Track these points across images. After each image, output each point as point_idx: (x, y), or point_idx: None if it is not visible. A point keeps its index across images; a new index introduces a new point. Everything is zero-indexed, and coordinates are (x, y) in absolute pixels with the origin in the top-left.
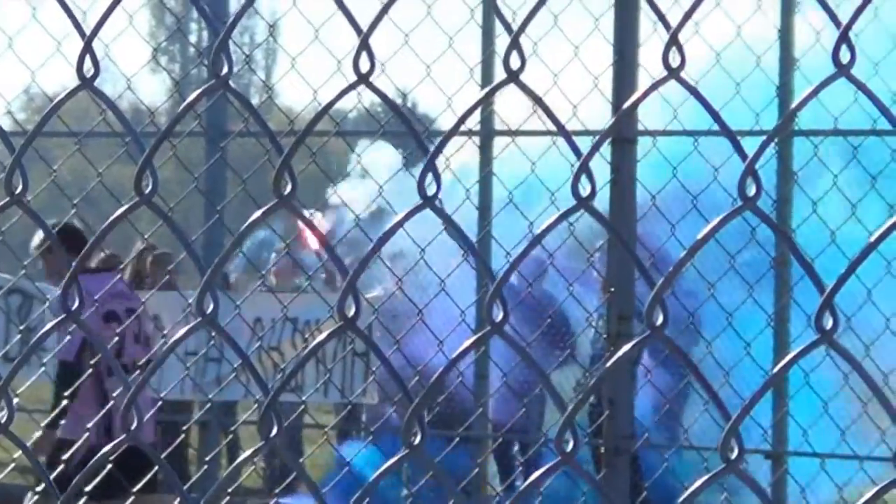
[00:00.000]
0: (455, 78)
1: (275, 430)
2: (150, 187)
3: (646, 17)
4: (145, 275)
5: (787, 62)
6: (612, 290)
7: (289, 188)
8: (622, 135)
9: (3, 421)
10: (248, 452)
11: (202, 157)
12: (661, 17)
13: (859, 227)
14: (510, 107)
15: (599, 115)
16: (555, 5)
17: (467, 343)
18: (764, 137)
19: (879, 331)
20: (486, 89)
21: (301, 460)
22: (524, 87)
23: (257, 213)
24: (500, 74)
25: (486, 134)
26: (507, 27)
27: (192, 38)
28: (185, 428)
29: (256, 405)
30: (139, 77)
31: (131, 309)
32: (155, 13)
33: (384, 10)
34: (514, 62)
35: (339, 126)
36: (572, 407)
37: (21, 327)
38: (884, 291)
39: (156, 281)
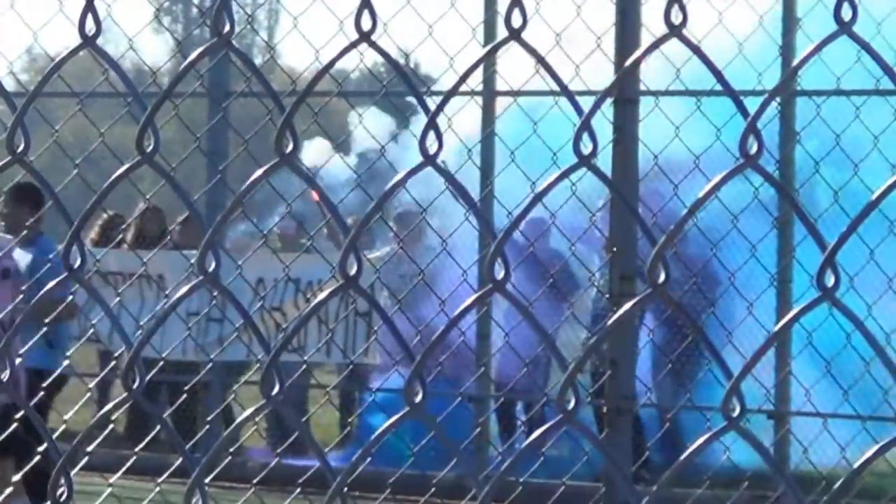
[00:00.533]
0: (457, 38)
1: (276, 389)
2: (151, 146)
3: None
4: (152, 235)
5: (789, 21)
6: (615, 249)
7: (290, 147)
8: (624, 95)
9: (4, 380)
10: (249, 411)
11: (204, 118)
12: None
13: (862, 186)
14: (512, 67)
15: (602, 75)
16: None
17: (468, 301)
18: (766, 97)
19: (882, 290)
20: (488, 47)
21: (304, 419)
22: (526, 46)
23: (259, 171)
24: (502, 34)
25: (489, 94)
26: None
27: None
28: (186, 388)
29: (258, 365)
30: (141, 37)
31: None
32: None
33: None
34: (516, 20)
35: (341, 86)
36: (573, 366)
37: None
38: (886, 250)
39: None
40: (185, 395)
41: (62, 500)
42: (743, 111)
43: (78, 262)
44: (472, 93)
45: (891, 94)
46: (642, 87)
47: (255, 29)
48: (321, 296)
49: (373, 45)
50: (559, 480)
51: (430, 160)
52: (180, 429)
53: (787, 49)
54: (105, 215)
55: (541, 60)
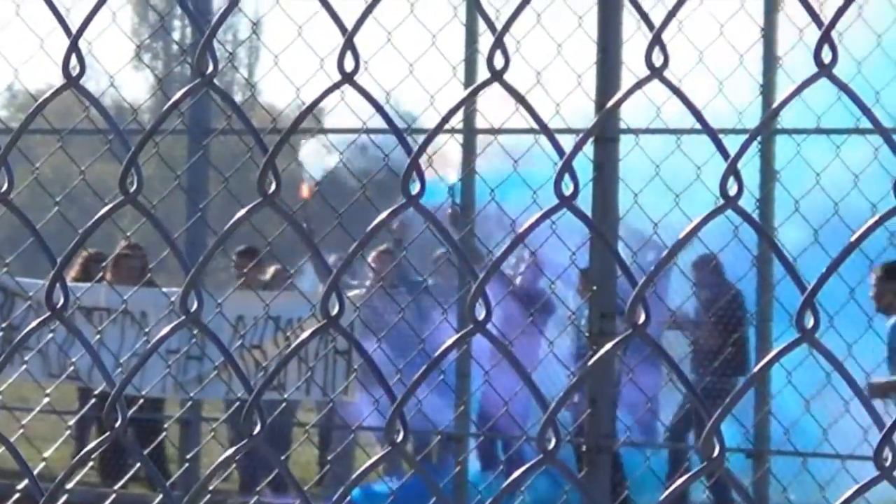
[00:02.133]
0: (438, 77)
1: (258, 429)
2: (134, 186)
3: (629, 15)
4: (132, 271)
5: (770, 61)
6: (595, 288)
7: (273, 187)
8: (605, 133)
9: None
10: (231, 450)
11: (185, 155)
12: (645, 17)
13: (841, 225)
14: (493, 104)
15: (583, 113)
16: (538, 3)
17: (449, 342)
18: (747, 136)
19: (862, 330)
20: (470, 89)
21: (283, 457)
22: (508, 87)
23: (241, 212)
24: (483, 72)
25: (469, 132)
26: (491, 26)
27: (176, 36)
28: (166, 427)
29: (238, 403)
30: (122, 74)
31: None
32: (138, 10)
33: (369, 9)
34: (498, 62)
35: (321, 124)
36: (554, 405)
37: (3, 325)
38: (866, 291)
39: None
40: (163, 434)
41: None
42: (723, 152)
43: (61, 302)
44: (453, 130)
45: (871, 132)
46: (622, 126)
47: (235, 66)
48: (303, 335)
49: (356, 86)
50: None
51: (412, 200)
52: (157, 467)
53: (767, 88)
54: (86, 252)
55: (522, 101)
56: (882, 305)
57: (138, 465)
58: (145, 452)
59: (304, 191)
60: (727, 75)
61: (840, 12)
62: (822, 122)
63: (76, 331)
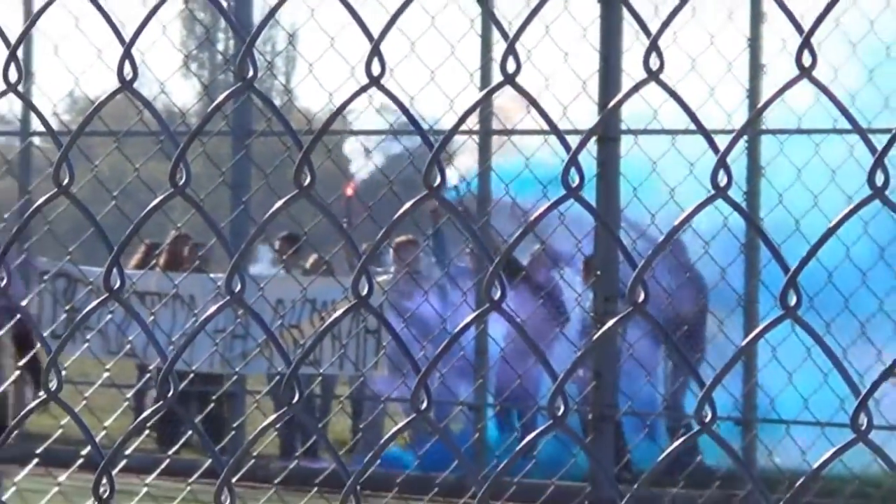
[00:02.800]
0: (456, 82)
1: (296, 398)
2: (183, 179)
3: (628, 26)
4: (180, 260)
5: (755, 67)
6: (598, 273)
7: (308, 180)
8: (607, 133)
9: (53, 389)
10: (271, 417)
11: (229, 154)
12: (643, 26)
13: (821, 215)
14: (506, 109)
15: (587, 115)
16: (546, 15)
17: (468, 319)
18: (734, 135)
19: (839, 309)
20: (486, 90)
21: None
22: (520, 89)
23: (280, 203)
24: (497, 79)
25: (485, 132)
26: (504, 34)
27: (220, 47)
28: (214, 398)
29: (279, 377)
30: (171, 81)
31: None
32: (186, 24)
33: (393, 19)
34: (511, 66)
35: (352, 125)
36: (562, 376)
37: (66, 308)
38: (843, 274)
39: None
40: (213, 404)
41: (105, 497)
42: (714, 148)
43: (118, 284)
44: (470, 132)
45: (847, 132)
46: (623, 126)
47: (274, 74)
48: (336, 314)
49: (382, 88)
50: (549, 480)
51: (433, 192)
52: (207, 434)
53: (753, 92)
54: (145, 244)
55: (533, 103)
56: None
57: (190, 432)
58: (196, 421)
59: (349, 190)
60: (717, 81)
61: (819, 20)
62: (802, 122)
63: (132, 310)
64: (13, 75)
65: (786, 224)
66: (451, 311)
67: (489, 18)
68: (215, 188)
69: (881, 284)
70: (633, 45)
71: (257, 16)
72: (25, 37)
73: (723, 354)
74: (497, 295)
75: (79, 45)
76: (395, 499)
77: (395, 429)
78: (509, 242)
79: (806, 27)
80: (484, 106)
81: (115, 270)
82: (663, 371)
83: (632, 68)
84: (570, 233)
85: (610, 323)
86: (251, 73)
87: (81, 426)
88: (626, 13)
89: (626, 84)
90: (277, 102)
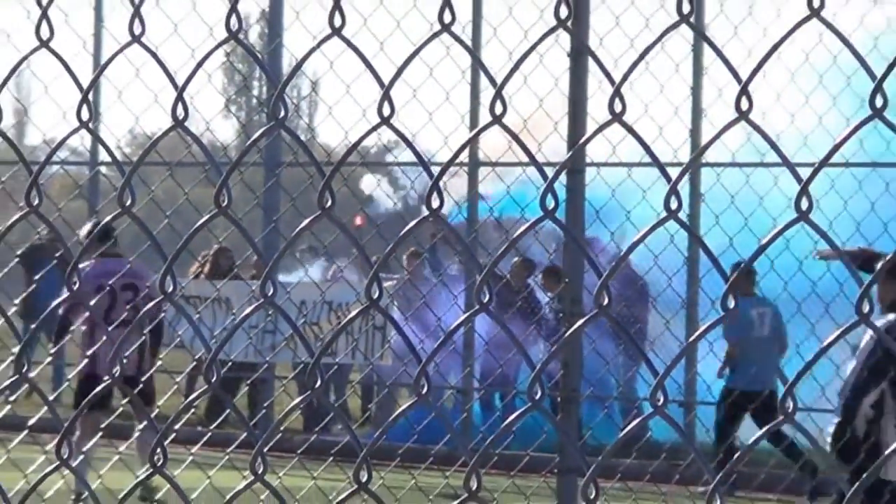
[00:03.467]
0: (450, 122)
1: (318, 383)
2: (225, 202)
3: (593, 77)
4: (221, 269)
5: (697, 111)
6: (567, 280)
7: (329, 203)
8: (575, 166)
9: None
10: (297, 400)
11: (262, 182)
12: (608, 76)
13: (751, 235)
14: (490, 143)
15: (559, 151)
16: (526, 67)
17: (461, 318)
18: (682, 167)
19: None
20: (477, 129)
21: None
22: (505, 128)
23: (306, 221)
24: (484, 118)
25: (473, 164)
26: (493, 82)
27: (255, 92)
28: (248, 382)
29: (302, 365)
30: (215, 121)
31: (128, 284)
32: (227, 73)
33: (399, 71)
34: (498, 108)
35: (365, 158)
36: (539, 366)
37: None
38: (767, 285)
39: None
40: (247, 387)
41: (159, 464)
42: (667, 178)
43: (171, 288)
44: (461, 164)
45: (775, 165)
46: (588, 160)
47: (299, 115)
48: (352, 314)
49: (391, 127)
50: (525, 451)
51: (433, 213)
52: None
53: (695, 131)
54: (202, 255)
55: (516, 139)
56: (885, 303)
57: (228, 410)
58: (234, 401)
59: (357, 220)
60: (666, 122)
61: (754, 72)
62: (735, 157)
63: (182, 309)
64: (85, 114)
65: (722, 242)
66: (445, 311)
67: (479, 68)
68: (250, 210)
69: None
70: (595, 92)
71: (285, 66)
72: (95, 83)
73: (666, 348)
74: (485, 298)
75: (139, 90)
76: (397, 467)
77: (399, 410)
78: (495, 255)
79: (743, 76)
80: (472, 142)
81: (168, 277)
82: (618, 363)
83: (595, 111)
84: (544, 247)
85: (579, 322)
86: (283, 113)
87: (138, 406)
88: (591, 65)
89: (591, 125)
90: (302, 139)
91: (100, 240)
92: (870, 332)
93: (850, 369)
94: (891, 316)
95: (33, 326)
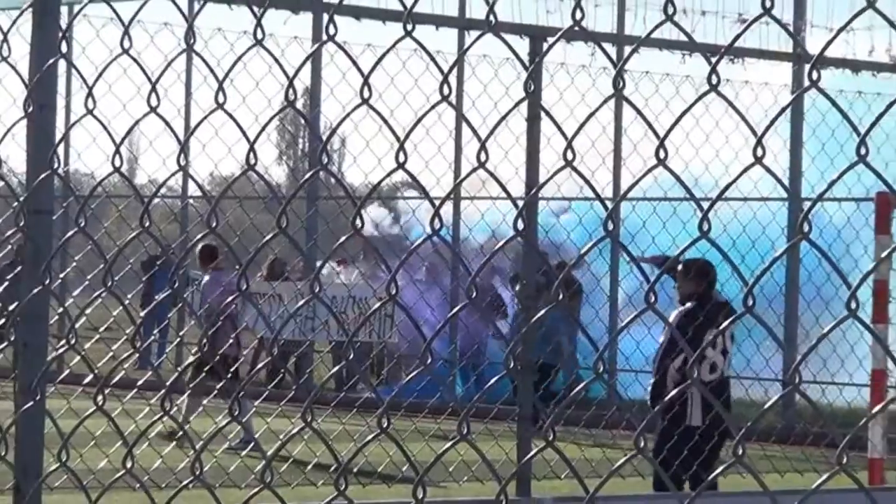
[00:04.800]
0: (440, 169)
1: (351, 356)
2: (285, 224)
3: (547, 130)
4: (277, 273)
5: (618, 160)
6: (524, 281)
7: (359, 224)
8: (531, 200)
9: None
10: (335, 369)
11: (304, 211)
12: (561, 130)
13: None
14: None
15: (517, 189)
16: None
17: (456, 309)
18: (612, 200)
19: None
20: (466, 174)
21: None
22: (489, 172)
23: (343, 238)
24: (464, 168)
25: (457, 198)
26: (476, 134)
27: (300, 144)
28: (296, 354)
29: (334, 343)
30: (272, 167)
31: (232, 290)
32: (279, 131)
33: (409, 131)
34: (482, 157)
35: (380, 194)
36: (511, 345)
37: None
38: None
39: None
40: (295, 358)
41: (235, 414)
42: (604, 205)
43: (245, 287)
44: (447, 197)
45: (677, 200)
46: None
47: (332, 162)
48: (375, 306)
49: (406, 171)
50: (494, 405)
51: (435, 232)
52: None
53: (615, 173)
54: (270, 259)
55: (497, 180)
56: (682, 296)
57: (283, 374)
58: (287, 367)
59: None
60: (596, 168)
61: (672, 127)
62: (646, 193)
63: (253, 301)
64: (182, 160)
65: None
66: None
67: (467, 125)
68: (295, 231)
69: None
70: (546, 147)
71: (322, 127)
72: (188, 139)
73: (596, 330)
74: (473, 295)
75: (218, 143)
76: (402, 416)
77: (410, 376)
78: (481, 263)
79: (664, 127)
80: (456, 183)
81: (242, 279)
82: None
83: (546, 160)
84: (507, 257)
85: (542, 312)
86: (326, 161)
87: (221, 370)
88: (547, 120)
89: (542, 174)
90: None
91: (211, 257)
92: (674, 312)
93: (660, 342)
94: (688, 304)
95: (144, 313)
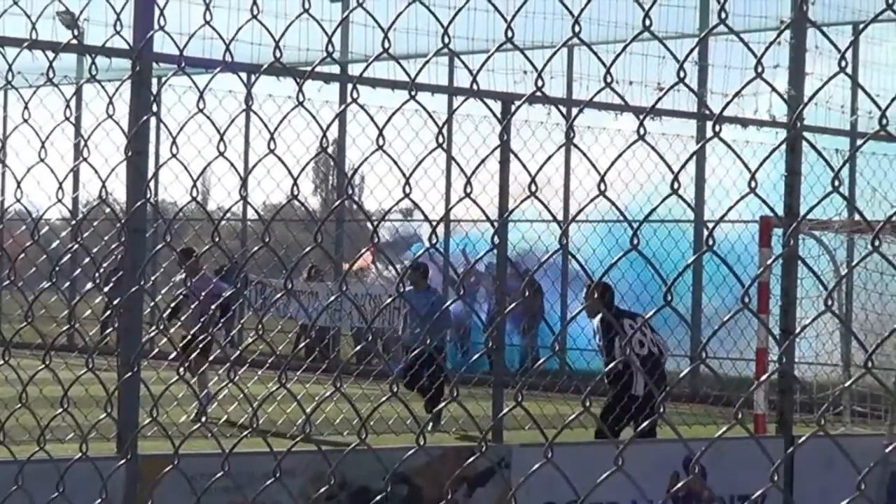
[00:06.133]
0: (434, 199)
1: (371, 339)
2: (320, 240)
3: (512, 174)
4: (314, 277)
5: (567, 193)
6: (497, 283)
7: (377, 240)
8: (504, 221)
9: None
10: (357, 348)
11: (333, 230)
12: (524, 166)
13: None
14: (462, 204)
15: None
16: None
17: (448, 303)
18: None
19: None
20: (455, 202)
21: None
22: (475, 202)
23: (364, 251)
24: (454, 197)
25: (447, 221)
26: (463, 171)
27: (330, 181)
28: (328, 337)
29: (356, 328)
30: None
31: (217, 294)
32: (314, 170)
33: (413, 169)
34: (468, 189)
35: (389, 219)
36: (491, 328)
37: (262, 298)
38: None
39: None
40: (326, 340)
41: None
42: (559, 225)
43: (290, 287)
44: (438, 222)
45: (671, 221)
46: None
47: (354, 192)
48: (386, 301)
49: (414, 203)
50: (479, 372)
51: (433, 246)
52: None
53: (566, 205)
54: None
55: (480, 209)
56: (589, 312)
57: (317, 351)
58: (320, 347)
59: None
60: (550, 198)
61: (609, 167)
62: (589, 217)
63: (296, 296)
64: (243, 192)
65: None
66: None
67: (456, 165)
68: (329, 245)
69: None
70: (514, 182)
71: (347, 164)
72: (248, 176)
73: (552, 319)
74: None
75: (271, 180)
76: (406, 387)
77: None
78: (465, 269)
79: (602, 169)
80: (448, 209)
81: (288, 281)
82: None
83: (514, 191)
84: (485, 265)
85: (512, 306)
86: (350, 192)
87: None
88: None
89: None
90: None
91: (186, 256)
92: (595, 320)
93: (597, 341)
94: (599, 315)
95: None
